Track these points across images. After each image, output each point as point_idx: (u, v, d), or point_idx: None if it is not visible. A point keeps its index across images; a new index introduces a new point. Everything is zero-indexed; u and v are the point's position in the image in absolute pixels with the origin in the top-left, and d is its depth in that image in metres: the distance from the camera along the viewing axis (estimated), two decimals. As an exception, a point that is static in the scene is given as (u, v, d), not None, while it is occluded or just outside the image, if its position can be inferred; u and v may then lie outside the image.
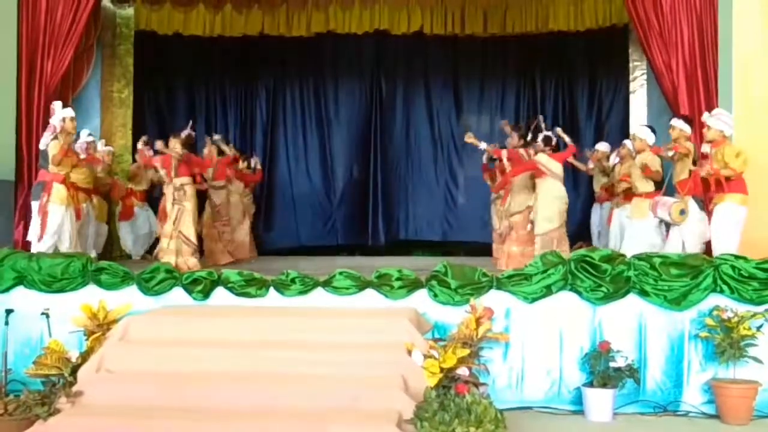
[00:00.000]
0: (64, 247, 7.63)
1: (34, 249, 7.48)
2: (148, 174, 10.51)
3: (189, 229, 8.42)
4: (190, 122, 9.76)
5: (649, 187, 7.83)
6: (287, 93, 13.81)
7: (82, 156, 8.74)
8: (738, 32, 7.81)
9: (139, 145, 10.17)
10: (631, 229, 7.95)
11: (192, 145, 9.49)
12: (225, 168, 10.37)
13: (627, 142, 9.27)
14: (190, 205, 8.51)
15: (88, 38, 9.61)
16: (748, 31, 7.81)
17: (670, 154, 7.46)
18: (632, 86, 11.20)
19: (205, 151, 10.46)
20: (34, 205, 7.76)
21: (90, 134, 9.66)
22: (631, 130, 10.65)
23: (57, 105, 7.87)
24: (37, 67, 8.68)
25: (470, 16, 12.15)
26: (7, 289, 6.51)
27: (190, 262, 8.29)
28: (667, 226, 7.51)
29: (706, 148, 7.06)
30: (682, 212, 7.13)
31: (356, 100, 13.78)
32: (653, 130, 8.13)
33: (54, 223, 7.62)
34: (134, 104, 11.38)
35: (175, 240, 8.33)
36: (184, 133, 8.98)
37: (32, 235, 7.70)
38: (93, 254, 8.29)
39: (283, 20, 12.10)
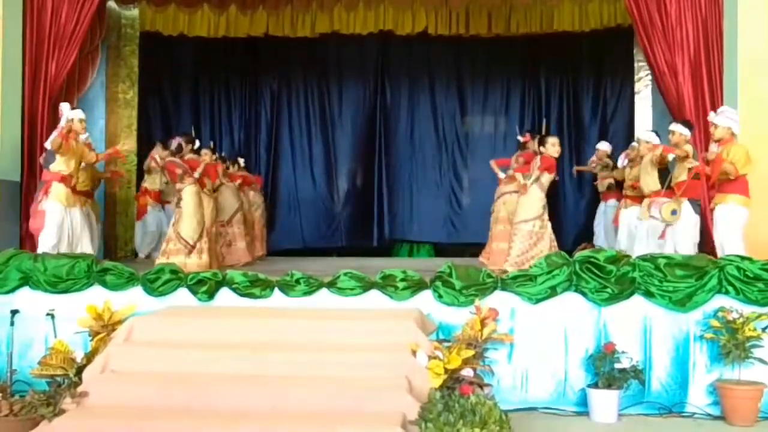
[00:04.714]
0: (64, 247, 7.60)
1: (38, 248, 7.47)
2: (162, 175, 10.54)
3: (186, 231, 8.38)
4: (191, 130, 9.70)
5: (656, 187, 7.79)
6: (291, 94, 13.84)
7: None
8: (743, 32, 7.80)
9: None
10: (641, 231, 7.92)
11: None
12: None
13: (635, 144, 9.27)
14: (188, 208, 8.46)
15: (93, 39, 9.62)
16: (753, 32, 7.81)
17: (671, 158, 7.45)
18: (637, 87, 11.18)
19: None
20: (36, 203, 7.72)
21: (87, 136, 9.62)
22: (636, 132, 10.69)
23: (65, 106, 7.84)
24: (41, 67, 8.70)
25: (475, 17, 12.14)
26: (13, 290, 6.51)
27: (188, 262, 8.24)
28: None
29: (713, 147, 7.04)
30: (674, 212, 7.12)
31: (360, 101, 13.80)
32: (657, 135, 8.12)
33: (54, 222, 7.54)
34: (139, 105, 11.39)
35: (174, 242, 8.32)
36: (173, 143, 8.89)
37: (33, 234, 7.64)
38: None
39: (288, 21, 12.11)
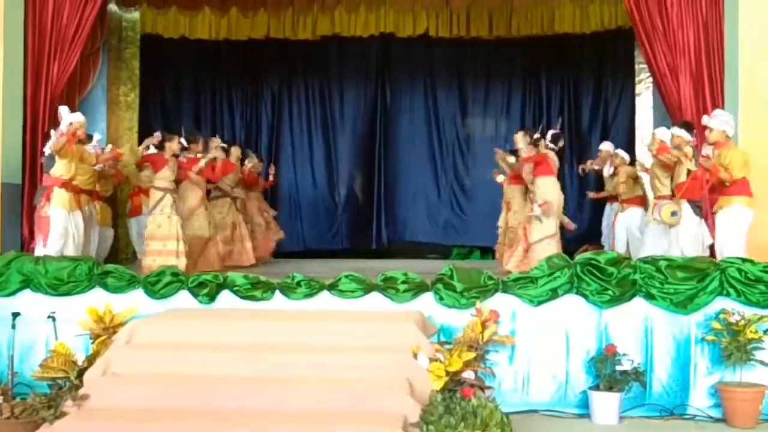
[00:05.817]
0: (70, 251, 7.60)
1: (39, 254, 7.45)
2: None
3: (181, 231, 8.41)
4: (182, 129, 9.67)
5: (667, 190, 7.77)
6: (293, 96, 13.83)
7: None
8: (744, 35, 7.80)
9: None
10: (648, 233, 7.91)
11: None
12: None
13: (619, 151, 9.75)
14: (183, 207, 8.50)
15: (94, 42, 9.62)
16: (754, 34, 7.81)
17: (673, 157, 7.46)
18: (638, 89, 11.18)
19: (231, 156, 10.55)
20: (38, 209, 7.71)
21: (99, 139, 9.63)
22: (637, 133, 10.72)
23: (64, 110, 7.79)
24: (43, 71, 8.68)
25: (475, 19, 12.12)
26: (14, 293, 6.51)
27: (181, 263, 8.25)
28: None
29: (708, 150, 7.03)
30: (674, 214, 7.13)
31: (361, 103, 13.79)
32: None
33: (58, 228, 7.50)
34: (140, 108, 11.40)
35: (182, 241, 8.31)
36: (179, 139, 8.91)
37: (36, 241, 7.61)
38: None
39: (289, 23, 12.10)
